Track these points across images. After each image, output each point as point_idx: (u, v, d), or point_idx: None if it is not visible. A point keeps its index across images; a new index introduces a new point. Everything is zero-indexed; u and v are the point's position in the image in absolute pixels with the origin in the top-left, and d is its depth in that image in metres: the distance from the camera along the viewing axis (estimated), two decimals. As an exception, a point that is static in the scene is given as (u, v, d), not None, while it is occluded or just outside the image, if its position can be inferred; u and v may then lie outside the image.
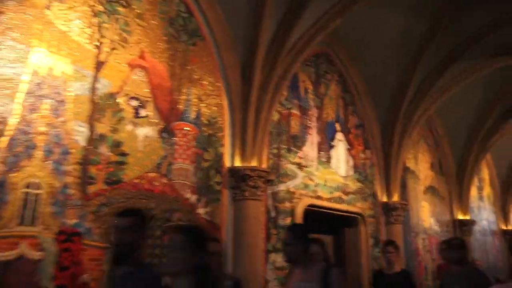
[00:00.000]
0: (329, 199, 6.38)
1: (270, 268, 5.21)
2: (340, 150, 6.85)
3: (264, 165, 5.30)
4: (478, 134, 9.40)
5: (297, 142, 6.04)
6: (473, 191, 10.69)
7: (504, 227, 11.75)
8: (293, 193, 5.78)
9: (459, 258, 3.39)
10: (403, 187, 8.08)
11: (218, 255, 2.72)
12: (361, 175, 7.17)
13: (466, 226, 9.64)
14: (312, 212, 5.99)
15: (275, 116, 5.73)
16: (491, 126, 9.50)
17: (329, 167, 6.53)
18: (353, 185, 6.94)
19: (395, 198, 7.49)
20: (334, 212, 6.47)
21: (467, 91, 8.25)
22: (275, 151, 5.66)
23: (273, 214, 5.45)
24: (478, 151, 9.70)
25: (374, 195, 7.35)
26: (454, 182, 9.81)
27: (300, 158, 6.03)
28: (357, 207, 6.89)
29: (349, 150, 7.05)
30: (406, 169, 8.32)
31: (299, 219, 5.70)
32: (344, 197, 6.68)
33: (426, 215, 8.75)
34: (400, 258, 4.63)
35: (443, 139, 9.63)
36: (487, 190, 11.79)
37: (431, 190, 9.12)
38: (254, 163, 5.08)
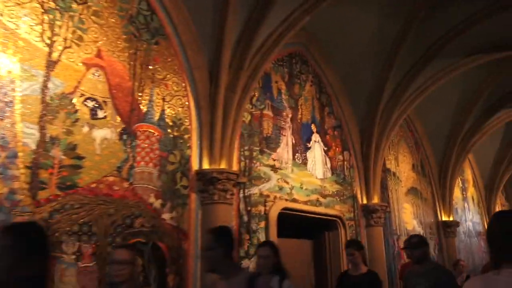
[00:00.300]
0: (305, 202, 6.20)
1: (242, 274, 4.99)
2: (316, 152, 6.69)
3: (234, 168, 5.11)
4: (459, 134, 9.34)
5: (270, 143, 5.87)
6: (457, 192, 10.62)
7: (489, 228, 11.66)
8: (267, 196, 5.60)
9: (421, 255, 3.27)
10: (384, 188, 7.96)
11: (128, 264, 2.48)
12: (339, 177, 7.02)
13: (450, 227, 9.55)
14: (287, 216, 5.81)
15: (247, 117, 5.57)
16: (472, 125, 9.47)
17: (305, 169, 6.37)
18: (331, 188, 6.78)
19: (375, 200, 7.35)
20: (312, 215, 6.29)
21: (446, 91, 8.20)
22: (246, 153, 5.48)
23: (245, 218, 5.26)
24: (459, 152, 9.64)
25: (353, 198, 7.19)
26: (437, 183, 9.73)
27: (274, 160, 5.86)
28: (335, 210, 6.72)
29: (326, 151, 6.90)
30: (386, 171, 8.21)
31: (273, 223, 5.51)
32: (321, 200, 6.51)
33: (409, 217, 8.62)
34: (365, 258, 4.42)
35: (423, 140, 9.56)
36: (471, 191, 11.74)
37: (413, 191, 9.00)
38: (223, 166, 4.90)
